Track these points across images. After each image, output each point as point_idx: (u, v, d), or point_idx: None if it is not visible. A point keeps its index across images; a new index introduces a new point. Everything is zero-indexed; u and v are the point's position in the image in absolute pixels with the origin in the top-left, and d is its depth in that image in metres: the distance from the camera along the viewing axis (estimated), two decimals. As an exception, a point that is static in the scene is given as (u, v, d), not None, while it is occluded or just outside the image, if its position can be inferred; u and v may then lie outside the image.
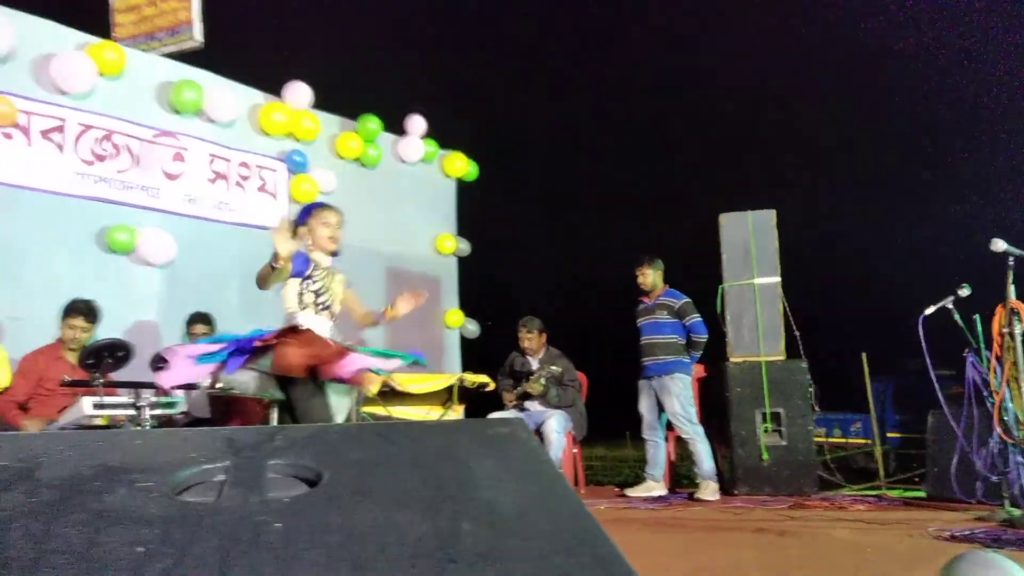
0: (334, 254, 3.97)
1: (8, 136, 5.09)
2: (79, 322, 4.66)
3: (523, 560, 1.06)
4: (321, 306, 3.81)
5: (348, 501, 1.18)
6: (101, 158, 5.53)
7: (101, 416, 3.83)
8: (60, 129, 5.34)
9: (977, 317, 4.35)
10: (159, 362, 3.73)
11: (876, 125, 11.21)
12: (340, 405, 3.83)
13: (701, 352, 5.91)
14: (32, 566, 0.99)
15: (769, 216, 6.03)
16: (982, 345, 4.31)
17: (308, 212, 3.96)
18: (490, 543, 1.09)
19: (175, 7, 6.45)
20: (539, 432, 5.73)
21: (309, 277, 3.80)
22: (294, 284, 3.79)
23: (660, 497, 5.69)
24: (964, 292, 4.36)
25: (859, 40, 11.67)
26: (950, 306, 4.36)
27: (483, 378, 5.80)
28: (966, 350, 4.38)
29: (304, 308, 3.78)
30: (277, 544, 1.06)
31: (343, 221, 3.96)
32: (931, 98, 10.42)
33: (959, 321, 4.36)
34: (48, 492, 1.15)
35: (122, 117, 5.66)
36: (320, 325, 3.78)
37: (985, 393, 4.25)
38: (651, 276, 5.93)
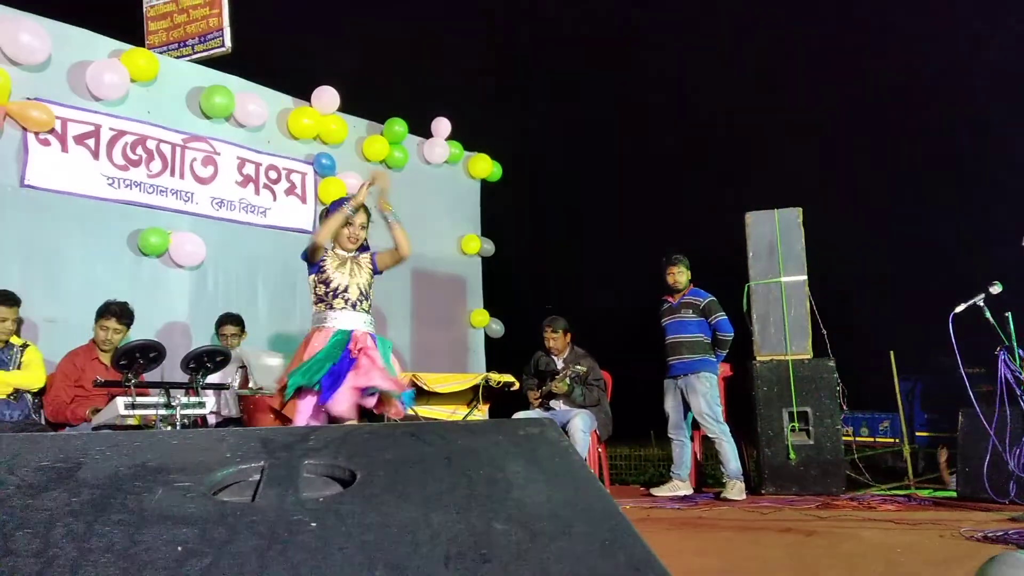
0: (362, 249, 4.12)
1: (45, 143, 5.19)
2: (112, 323, 4.74)
3: (557, 561, 1.06)
4: (333, 294, 3.92)
5: (382, 500, 1.19)
6: (134, 163, 5.62)
7: (133, 416, 3.90)
8: (94, 135, 5.43)
9: (1009, 315, 4.30)
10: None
11: (903, 121, 11.05)
12: None
13: (727, 351, 5.88)
14: (75, 564, 1.01)
15: (795, 214, 5.98)
16: (1015, 343, 4.25)
17: (337, 206, 4.09)
18: (524, 543, 1.09)
19: (205, 14, 6.55)
20: (564, 431, 5.72)
21: (319, 269, 3.95)
22: (313, 281, 4.00)
23: (686, 496, 5.67)
24: (995, 289, 4.31)
25: (887, 37, 11.53)
26: (981, 303, 4.31)
27: (508, 377, 5.81)
28: (998, 348, 4.33)
29: (319, 302, 3.95)
30: (313, 543, 1.07)
31: (368, 221, 4.09)
32: (960, 95, 10.25)
33: (990, 319, 4.30)
34: (89, 492, 1.17)
35: (154, 122, 5.76)
36: (341, 319, 3.88)
37: (1018, 391, 4.20)
38: (685, 275, 5.91)
